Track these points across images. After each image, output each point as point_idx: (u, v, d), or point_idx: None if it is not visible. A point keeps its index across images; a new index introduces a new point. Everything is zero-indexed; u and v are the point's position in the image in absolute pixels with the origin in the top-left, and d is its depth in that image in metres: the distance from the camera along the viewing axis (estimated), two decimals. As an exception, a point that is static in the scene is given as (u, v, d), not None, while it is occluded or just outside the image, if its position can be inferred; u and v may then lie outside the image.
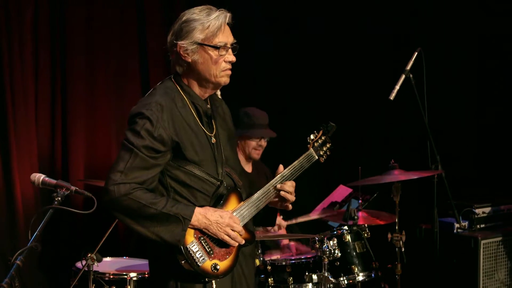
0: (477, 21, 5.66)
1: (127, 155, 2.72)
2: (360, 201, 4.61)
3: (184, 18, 2.85)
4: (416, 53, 4.50)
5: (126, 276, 4.14)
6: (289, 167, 3.05)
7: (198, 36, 2.81)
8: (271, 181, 3.00)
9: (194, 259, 2.74)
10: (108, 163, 5.44)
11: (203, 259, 2.76)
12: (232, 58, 2.88)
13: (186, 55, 2.84)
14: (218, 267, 2.79)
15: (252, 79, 6.13)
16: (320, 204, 5.15)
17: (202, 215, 2.76)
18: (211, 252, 2.79)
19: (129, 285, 4.11)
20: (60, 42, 5.24)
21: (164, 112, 2.77)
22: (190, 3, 4.58)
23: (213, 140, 2.91)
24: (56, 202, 2.67)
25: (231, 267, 2.85)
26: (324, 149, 3.21)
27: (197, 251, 2.75)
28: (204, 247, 2.78)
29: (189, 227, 2.73)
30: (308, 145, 3.17)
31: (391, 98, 4.40)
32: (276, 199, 3.03)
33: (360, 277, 4.25)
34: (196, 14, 2.84)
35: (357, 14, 6.07)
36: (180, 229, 2.71)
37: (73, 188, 2.73)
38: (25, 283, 4.88)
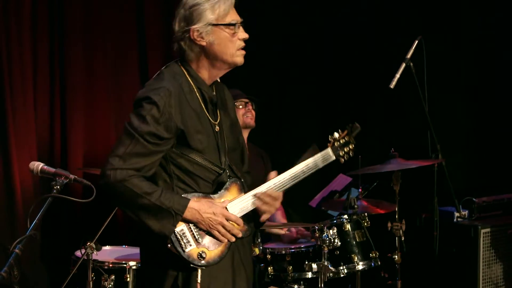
0: (477, 9, 5.64)
1: (128, 140, 2.71)
2: (360, 190, 4.59)
3: (189, 3, 2.79)
4: (417, 41, 4.49)
5: (125, 265, 4.13)
6: (302, 164, 2.96)
7: (210, 17, 2.77)
8: (279, 178, 2.91)
9: (180, 244, 2.71)
10: (107, 151, 5.39)
11: (190, 245, 2.73)
12: (245, 35, 2.86)
13: (200, 38, 2.79)
14: (204, 255, 2.74)
15: (250, 66, 6.09)
16: (320, 193, 5.15)
17: (196, 211, 2.73)
18: (199, 239, 2.75)
19: (128, 273, 4.10)
20: (59, 31, 5.21)
21: (172, 98, 2.73)
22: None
23: (217, 128, 2.87)
24: (55, 191, 2.67)
25: (220, 257, 2.79)
26: (346, 150, 3.12)
27: (184, 236, 2.72)
28: (194, 233, 2.75)
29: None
30: (328, 144, 3.07)
31: (392, 86, 4.40)
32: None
33: (360, 266, 4.24)
34: None
35: (358, 1, 6.04)
36: (170, 224, 2.69)
37: (72, 176, 2.72)
38: (24, 272, 4.87)
